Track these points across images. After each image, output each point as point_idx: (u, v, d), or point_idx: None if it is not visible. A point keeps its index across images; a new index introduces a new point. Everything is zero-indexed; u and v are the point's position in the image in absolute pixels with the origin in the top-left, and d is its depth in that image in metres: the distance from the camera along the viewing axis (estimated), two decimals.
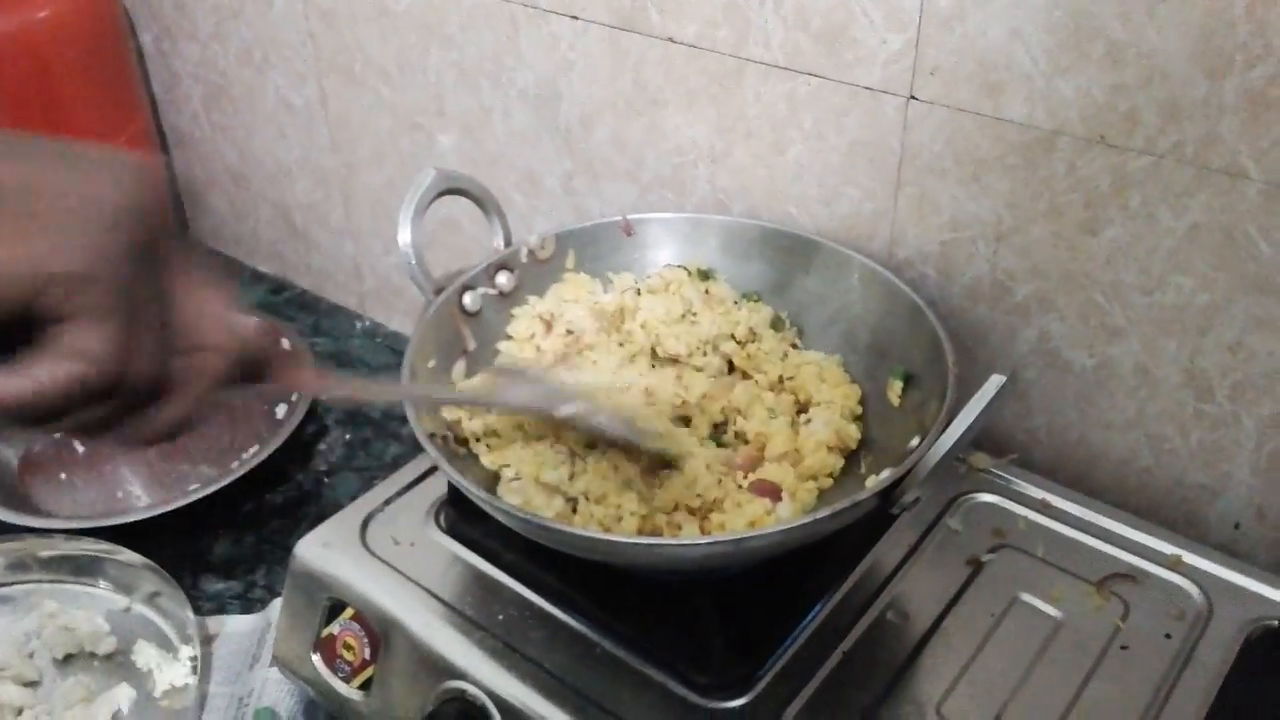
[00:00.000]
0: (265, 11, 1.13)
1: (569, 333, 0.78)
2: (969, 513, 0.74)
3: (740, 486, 0.69)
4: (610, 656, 0.65)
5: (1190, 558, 0.69)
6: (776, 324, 0.80)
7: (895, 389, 0.72)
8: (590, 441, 0.69)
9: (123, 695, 0.82)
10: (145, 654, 0.85)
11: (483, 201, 0.79)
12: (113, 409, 0.42)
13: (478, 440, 0.71)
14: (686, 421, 0.74)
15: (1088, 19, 0.65)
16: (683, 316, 0.79)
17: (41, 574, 0.91)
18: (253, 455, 1.00)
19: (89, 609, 0.88)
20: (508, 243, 0.80)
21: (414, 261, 0.74)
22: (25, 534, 0.92)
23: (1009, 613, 0.67)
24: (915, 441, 0.65)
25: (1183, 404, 0.73)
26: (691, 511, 0.67)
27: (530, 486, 0.68)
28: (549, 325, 0.79)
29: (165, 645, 0.86)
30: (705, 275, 0.82)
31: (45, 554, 0.91)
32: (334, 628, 0.72)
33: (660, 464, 0.68)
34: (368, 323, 1.27)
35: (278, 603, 0.83)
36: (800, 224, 0.84)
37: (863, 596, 0.68)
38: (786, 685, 0.62)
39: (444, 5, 0.96)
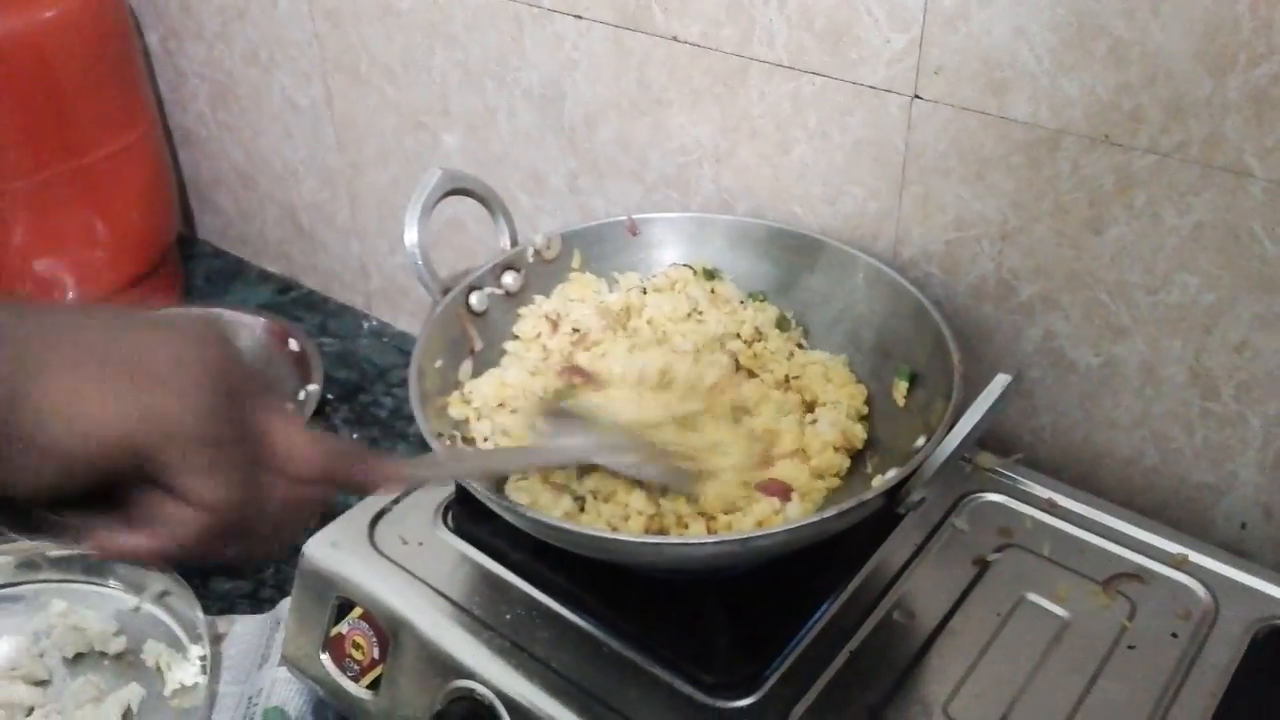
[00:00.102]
0: (270, 11, 1.13)
1: (575, 332, 0.78)
2: (975, 512, 0.74)
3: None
4: (617, 656, 0.65)
5: (1196, 557, 0.69)
6: (782, 323, 0.80)
7: (900, 388, 0.72)
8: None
9: (132, 694, 0.83)
10: (155, 653, 0.85)
11: (488, 201, 0.79)
12: (221, 542, 0.47)
13: (485, 440, 0.72)
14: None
15: (1092, 17, 0.65)
16: (689, 315, 0.79)
17: (51, 573, 0.92)
18: None
19: (99, 608, 0.89)
20: (513, 242, 0.80)
21: (420, 261, 0.74)
22: None
23: (1015, 612, 0.67)
24: (921, 441, 0.65)
25: (1188, 403, 0.73)
26: (700, 511, 0.67)
27: (538, 485, 0.68)
28: (555, 325, 0.79)
29: (175, 644, 0.86)
30: (711, 274, 0.82)
31: (55, 553, 0.91)
32: (342, 627, 0.72)
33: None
34: (374, 322, 1.27)
35: (286, 602, 0.83)
36: (805, 223, 0.84)
37: (869, 596, 0.68)
38: (793, 685, 0.63)
39: (449, 5, 0.97)
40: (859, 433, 0.72)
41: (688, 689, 0.62)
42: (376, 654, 0.70)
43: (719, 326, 0.78)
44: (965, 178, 0.75)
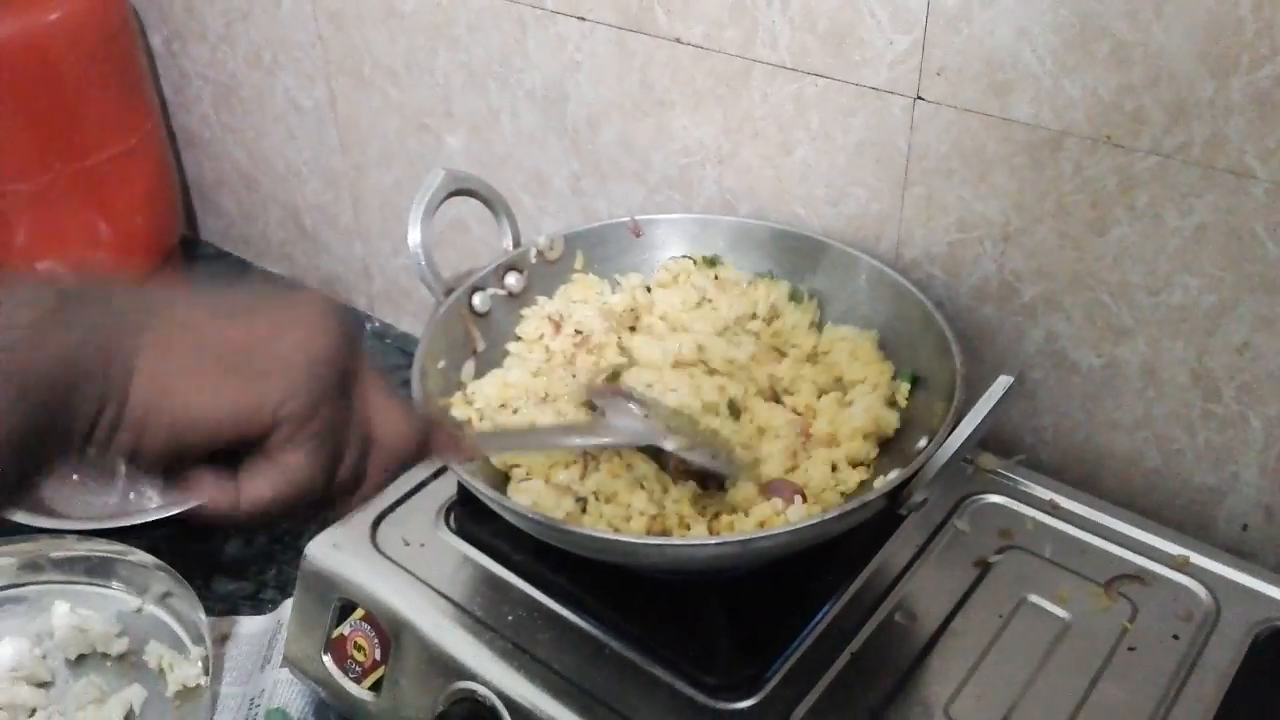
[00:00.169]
0: (274, 13, 1.13)
1: (578, 333, 0.79)
2: (976, 514, 0.74)
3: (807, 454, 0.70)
4: (619, 657, 0.65)
5: (1198, 559, 0.69)
6: (795, 296, 0.80)
7: (902, 390, 0.72)
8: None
9: (135, 696, 0.83)
10: (157, 654, 0.85)
11: (491, 202, 0.79)
12: (320, 507, 0.50)
13: None
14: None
15: (1094, 18, 0.65)
16: (699, 304, 0.80)
17: (54, 575, 0.92)
18: None
19: (101, 610, 0.89)
20: (516, 244, 0.81)
21: (423, 262, 0.74)
22: (38, 535, 0.93)
23: (1017, 614, 0.67)
24: (923, 442, 0.65)
25: (1190, 404, 0.73)
26: (701, 512, 0.67)
27: (540, 486, 0.68)
28: (558, 326, 0.79)
29: (177, 646, 0.87)
30: (711, 262, 0.82)
31: (58, 555, 0.92)
32: (344, 628, 0.72)
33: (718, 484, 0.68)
34: (377, 324, 1.28)
35: (289, 603, 0.83)
36: (807, 224, 0.84)
37: (871, 597, 0.68)
38: (794, 686, 0.63)
39: (452, 7, 0.97)
40: (891, 421, 0.71)
41: (689, 690, 0.63)
42: (378, 655, 0.70)
43: (732, 310, 0.78)
44: (968, 179, 0.75)
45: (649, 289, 0.81)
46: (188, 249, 1.40)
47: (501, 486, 0.69)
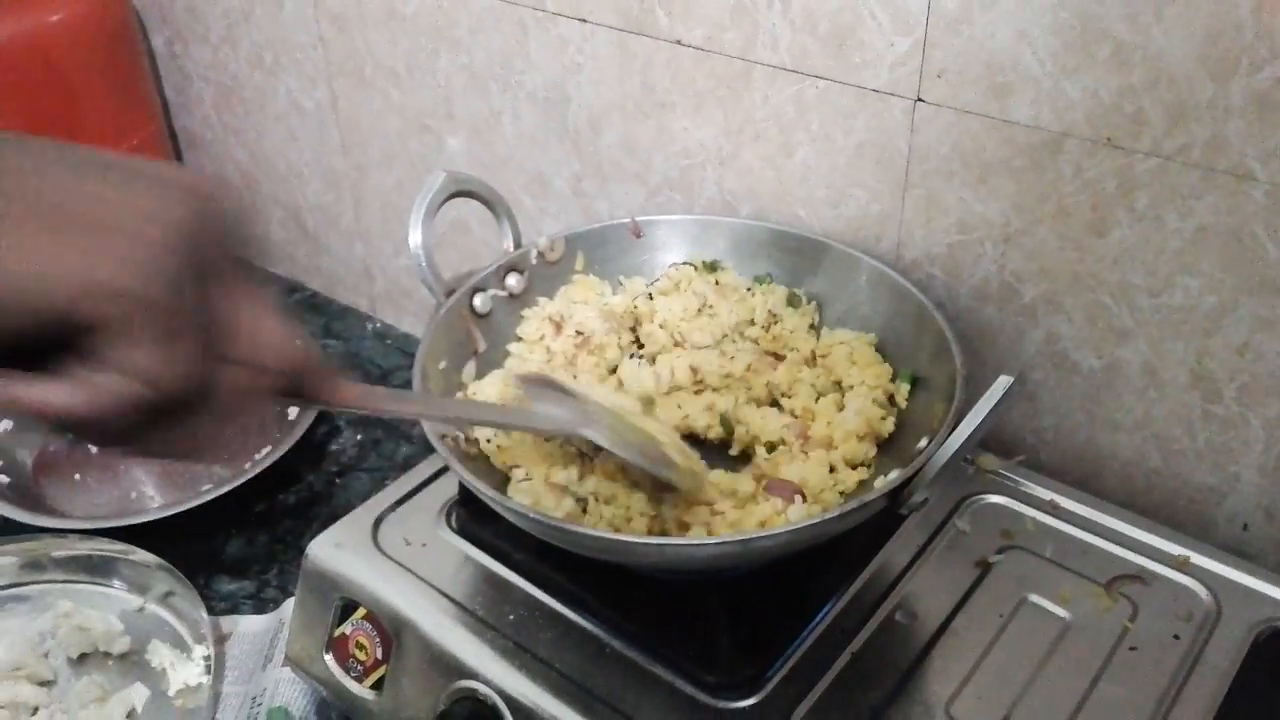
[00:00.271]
0: (276, 15, 1.13)
1: (578, 334, 0.79)
2: (977, 514, 0.74)
3: (805, 454, 0.69)
4: (620, 656, 0.65)
5: (1198, 559, 0.69)
6: (793, 300, 0.80)
7: (903, 390, 0.72)
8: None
9: (137, 694, 0.83)
10: (159, 653, 0.86)
11: (492, 204, 0.79)
12: (151, 425, 0.41)
13: (488, 441, 0.72)
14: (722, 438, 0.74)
15: (1094, 21, 0.66)
16: (699, 311, 0.80)
17: (56, 574, 0.92)
18: (265, 456, 1.01)
19: (103, 609, 0.89)
20: (517, 245, 0.81)
21: (424, 263, 0.74)
22: (40, 534, 0.93)
23: (1017, 614, 0.67)
24: (923, 442, 0.65)
25: (1190, 405, 0.74)
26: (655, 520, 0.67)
27: (540, 486, 0.68)
28: (558, 327, 0.79)
29: (179, 645, 0.87)
30: (712, 267, 0.82)
31: (59, 554, 0.92)
32: (346, 627, 0.72)
33: (667, 488, 0.67)
34: (379, 324, 1.28)
35: (290, 603, 0.84)
36: (808, 225, 0.85)
37: (871, 597, 0.68)
38: (795, 685, 0.63)
39: (453, 8, 0.97)
40: (886, 425, 0.71)
41: (690, 689, 0.63)
42: (380, 654, 0.70)
43: (731, 317, 0.79)
44: (968, 180, 0.75)
45: (650, 296, 0.81)
46: None
47: (502, 487, 0.69)
